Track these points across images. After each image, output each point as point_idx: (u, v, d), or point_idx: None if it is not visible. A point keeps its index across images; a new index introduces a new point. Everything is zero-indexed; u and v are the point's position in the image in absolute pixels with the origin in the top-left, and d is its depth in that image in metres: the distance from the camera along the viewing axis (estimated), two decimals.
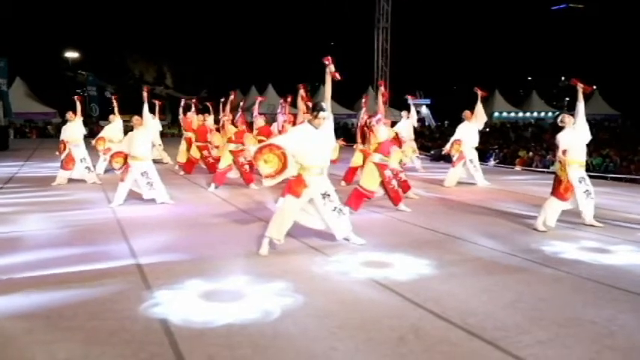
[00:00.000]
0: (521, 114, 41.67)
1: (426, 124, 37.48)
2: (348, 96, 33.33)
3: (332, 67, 5.43)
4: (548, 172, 15.24)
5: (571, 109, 33.82)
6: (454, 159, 10.47)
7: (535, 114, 42.22)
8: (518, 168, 16.45)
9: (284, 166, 5.05)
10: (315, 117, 5.19)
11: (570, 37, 45.01)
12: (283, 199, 7.81)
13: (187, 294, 4.05)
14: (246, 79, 37.61)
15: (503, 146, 20.40)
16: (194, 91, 40.73)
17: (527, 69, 49.49)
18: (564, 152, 6.29)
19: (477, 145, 10.49)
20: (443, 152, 10.95)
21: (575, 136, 6.38)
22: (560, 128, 6.51)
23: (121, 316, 3.59)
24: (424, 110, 40.01)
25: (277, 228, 5.24)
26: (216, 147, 12.51)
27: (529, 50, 45.51)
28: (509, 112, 41.45)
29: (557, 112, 42.20)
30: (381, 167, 7.34)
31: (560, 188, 6.35)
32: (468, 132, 10.27)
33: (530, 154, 17.77)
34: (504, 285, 4.31)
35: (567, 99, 48.02)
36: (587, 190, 6.49)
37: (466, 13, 41.53)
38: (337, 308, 3.80)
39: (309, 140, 5.18)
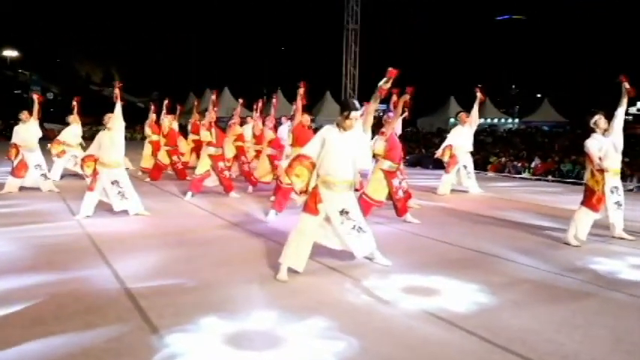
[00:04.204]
0: None
1: None
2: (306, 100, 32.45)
3: (385, 82, 4.66)
4: (522, 179, 15.01)
5: (523, 116, 33.93)
6: (446, 164, 9.88)
7: (489, 120, 42.85)
8: (490, 174, 16.18)
9: (312, 177, 4.37)
10: (346, 117, 4.36)
11: (517, 46, 46.02)
12: (274, 211, 6.99)
13: (208, 339, 3.15)
14: (200, 81, 36.17)
15: (471, 151, 20.11)
16: (144, 93, 39.14)
17: (479, 77, 50.24)
18: (601, 160, 5.72)
19: (471, 149, 9.94)
20: (435, 156, 10.34)
21: (609, 142, 5.84)
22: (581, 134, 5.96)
23: None
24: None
25: (295, 254, 4.38)
26: (182, 154, 11.66)
27: (480, 59, 46.19)
28: None
29: (510, 119, 43.23)
30: (389, 175, 6.59)
31: (592, 199, 5.78)
32: (462, 136, 9.69)
33: (503, 159, 17.56)
34: (586, 318, 3.61)
35: (517, 107, 49.17)
36: (618, 201, 5.96)
37: (422, 22, 41.76)
38: (407, 357, 3.00)
39: (331, 146, 4.39)
